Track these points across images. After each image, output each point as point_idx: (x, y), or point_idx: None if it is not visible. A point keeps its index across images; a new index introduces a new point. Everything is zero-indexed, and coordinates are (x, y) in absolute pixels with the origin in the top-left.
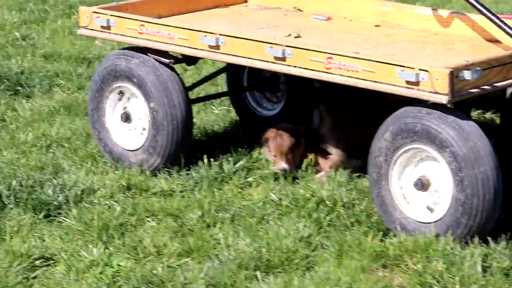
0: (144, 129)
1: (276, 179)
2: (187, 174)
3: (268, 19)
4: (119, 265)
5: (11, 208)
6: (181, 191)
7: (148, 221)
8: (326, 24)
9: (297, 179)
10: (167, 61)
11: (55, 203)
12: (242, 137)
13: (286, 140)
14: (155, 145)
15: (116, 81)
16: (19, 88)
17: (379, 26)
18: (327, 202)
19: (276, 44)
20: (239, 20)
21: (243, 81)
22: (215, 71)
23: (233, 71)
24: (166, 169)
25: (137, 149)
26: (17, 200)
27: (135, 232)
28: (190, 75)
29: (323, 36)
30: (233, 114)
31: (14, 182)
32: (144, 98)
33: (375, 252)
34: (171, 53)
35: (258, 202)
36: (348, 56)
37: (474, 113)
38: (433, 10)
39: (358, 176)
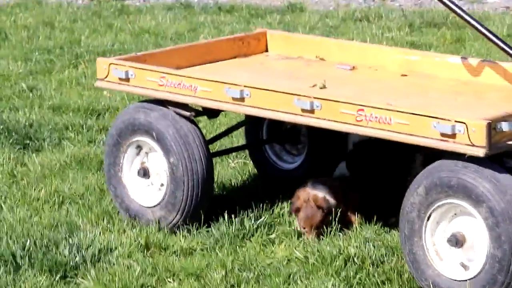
0: (162, 184)
1: (299, 235)
2: (207, 231)
3: (290, 69)
4: None
5: (26, 270)
6: (202, 250)
7: (169, 281)
8: (351, 74)
9: (322, 234)
10: (188, 113)
11: (72, 263)
12: (262, 191)
13: (317, 213)
14: (174, 201)
15: (134, 135)
16: (28, 141)
17: (406, 75)
18: (355, 260)
19: (304, 96)
20: (260, 71)
21: (263, 134)
22: (236, 124)
23: (252, 123)
24: (186, 226)
25: (155, 206)
26: (32, 260)
27: None
28: (203, 126)
29: (349, 86)
30: (250, 167)
31: (28, 242)
32: (163, 152)
33: None
34: (191, 105)
35: (282, 260)
36: (380, 108)
37: None
38: (463, 58)
39: (385, 231)
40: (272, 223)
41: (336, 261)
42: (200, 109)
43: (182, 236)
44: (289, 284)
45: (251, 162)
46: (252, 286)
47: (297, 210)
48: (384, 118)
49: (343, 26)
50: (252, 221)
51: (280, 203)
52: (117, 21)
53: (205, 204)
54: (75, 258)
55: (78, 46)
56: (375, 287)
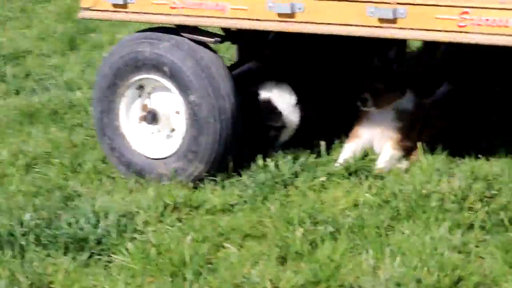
0: (172, 130)
1: (351, 174)
2: (238, 181)
3: None
4: None
5: (36, 251)
6: (244, 203)
7: (226, 246)
8: None
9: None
10: (212, 39)
11: (93, 237)
12: None
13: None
14: (197, 149)
15: (137, 73)
16: None
17: None
18: (452, 197)
19: (384, 2)
20: None
21: None
22: None
23: None
24: (210, 177)
25: (168, 157)
26: (40, 239)
27: (219, 264)
28: None
29: None
30: None
31: (27, 216)
32: (179, 90)
33: None
34: (209, 29)
35: (350, 207)
36: (492, 8)
37: None
38: None
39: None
40: (316, 164)
41: (430, 202)
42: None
43: (210, 190)
44: (386, 236)
45: None
46: (342, 242)
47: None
48: (497, 20)
49: None
50: (290, 164)
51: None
52: None
53: (234, 149)
54: (95, 231)
55: None
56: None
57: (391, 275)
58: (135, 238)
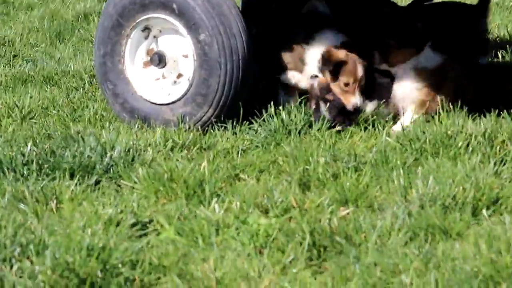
0: (179, 76)
1: (368, 123)
2: (249, 128)
3: None
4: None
5: (41, 179)
6: (257, 147)
7: (243, 177)
8: None
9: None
10: None
11: (99, 166)
12: None
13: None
14: (207, 92)
15: (144, 12)
16: None
17: None
18: (479, 138)
19: None
20: None
21: None
22: None
23: None
24: (220, 124)
25: (175, 101)
26: (44, 168)
27: (237, 188)
28: None
29: None
30: None
31: (28, 148)
32: (187, 30)
33: None
34: None
35: (374, 152)
36: None
37: None
38: None
39: None
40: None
41: (457, 141)
42: None
43: (220, 135)
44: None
45: None
46: (364, 172)
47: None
48: None
49: None
50: (305, 114)
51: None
52: None
53: (246, 93)
54: (102, 160)
55: None
56: None
57: (425, 192)
58: (145, 166)
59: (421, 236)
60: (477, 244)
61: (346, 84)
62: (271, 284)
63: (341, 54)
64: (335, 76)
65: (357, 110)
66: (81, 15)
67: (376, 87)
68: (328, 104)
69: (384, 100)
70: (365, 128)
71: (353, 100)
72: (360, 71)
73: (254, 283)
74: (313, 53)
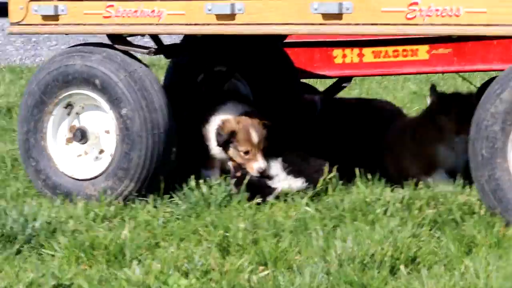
0: (101, 152)
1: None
2: (170, 201)
3: None
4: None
5: None
6: (178, 218)
7: (163, 246)
8: None
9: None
10: (146, 51)
11: (21, 236)
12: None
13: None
14: (128, 166)
15: (66, 89)
16: None
17: None
18: (397, 204)
19: None
20: None
21: None
22: None
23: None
24: (140, 198)
25: (97, 176)
26: None
27: (158, 254)
28: None
29: None
30: None
31: None
32: (110, 105)
33: None
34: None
35: (294, 219)
36: None
37: None
38: None
39: None
40: None
41: (375, 208)
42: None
43: (142, 208)
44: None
45: None
46: (284, 238)
47: (233, 134)
48: (448, 9)
49: None
50: (222, 186)
51: None
52: None
53: (167, 167)
54: (25, 230)
55: None
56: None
57: (343, 252)
58: (66, 236)
59: None
60: None
61: (246, 153)
62: None
63: (233, 123)
64: (227, 147)
65: (266, 178)
66: (3, 109)
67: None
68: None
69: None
70: (285, 200)
71: (255, 165)
72: (255, 137)
73: None
74: (214, 126)
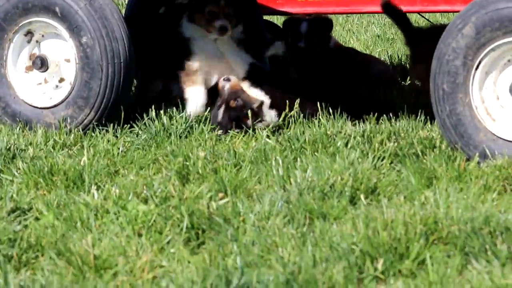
0: (61, 80)
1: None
2: (130, 131)
3: None
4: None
5: None
6: (138, 148)
7: (122, 173)
8: None
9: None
10: None
11: None
12: None
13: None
14: (88, 94)
15: (26, 16)
16: None
17: None
18: (358, 138)
19: None
20: None
21: None
22: None
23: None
24: (101, 127)
25: (56, 105)
26: None
27: (117, 180)
28: None
29: None
30: None
31: None
32: (70, 33)
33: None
34: None
35: (254, 150)
36: None
37: None
38: None
39: None
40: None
41: (338, 141)
42: None
43: (102, 137)
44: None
45: None
46: (244, 168)
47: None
48: None
49: None
50: (186, 118)
51: None
52: None
53: (127, 97)
54: None
55: None
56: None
57: (303, 181)
58: (25, 162)
59: (300, 220)
60: (354, 224)
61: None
62: (148, 262)
63: None
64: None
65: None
66: None
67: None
68: (227, 110)
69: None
70: (245, 132)
71: (217, 23)
72: None
73: (132, 260)
74: None
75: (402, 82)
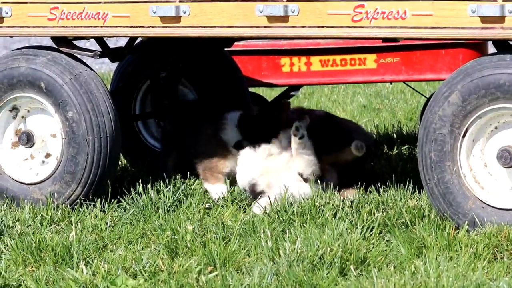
0: (48, 155)
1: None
2: (118, 206)
3: None
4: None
5: None
6: (126, 223)
7: (111, 248)
8: None
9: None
10: (90, 54)
11: None
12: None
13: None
14: (75, 170)
15: (11, 92)
16: None
17: None
18: (347, 209)
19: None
20: None
21: (135, 109)
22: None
23: (122, 97)
24: (89, 202)
25: (43, 181)
26: None
27: (105, 255)
28: None
29: None
30: None
31: None
32: (55, 108)
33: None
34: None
35: (243, 223)
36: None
37: None
38: None
39: None
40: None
41: (326, 212)
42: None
43: (90, 212)
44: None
45: None
46: (233, 241)
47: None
48: (394, 12)
49: None
50: (174, 192)
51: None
52: None
53: (113, 171)
54: None
55: None
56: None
57: (292, 253)
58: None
59: None
60: None
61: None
62: None
63: None
64: None
65: None
66: None
67: None
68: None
69: None
70: (232, 204)
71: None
72: None
73: None
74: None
75: (389, 152)
